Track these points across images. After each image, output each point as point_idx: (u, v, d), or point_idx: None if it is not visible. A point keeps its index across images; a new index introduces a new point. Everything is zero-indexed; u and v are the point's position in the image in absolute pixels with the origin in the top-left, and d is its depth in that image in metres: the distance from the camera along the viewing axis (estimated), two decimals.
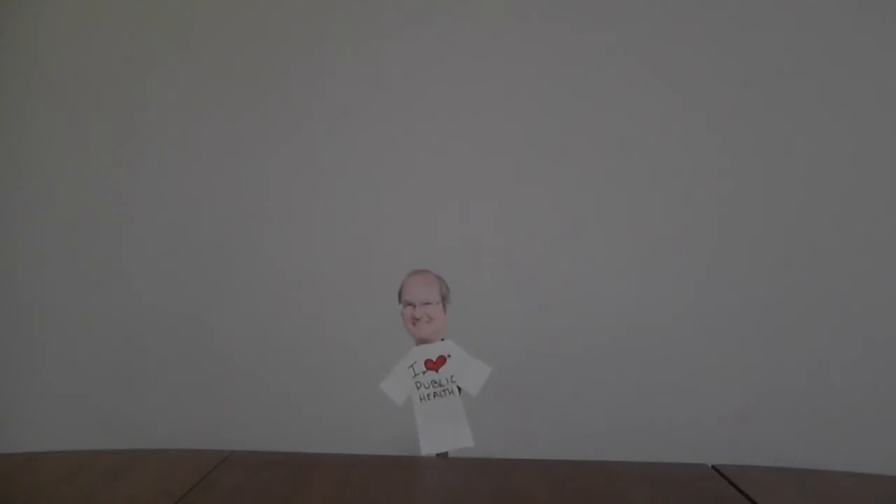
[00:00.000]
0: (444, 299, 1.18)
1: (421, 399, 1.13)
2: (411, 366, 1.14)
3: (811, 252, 1.66)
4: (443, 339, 1.16)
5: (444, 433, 1.11)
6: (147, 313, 1.88)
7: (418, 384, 1.13)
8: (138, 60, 1.90)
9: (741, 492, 0.91)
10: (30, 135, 1.93)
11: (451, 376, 1.13)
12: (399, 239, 1.78)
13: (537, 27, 1.77)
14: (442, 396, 1.13)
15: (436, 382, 1.13)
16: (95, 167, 1.91)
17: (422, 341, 1.16)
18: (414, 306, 1.16)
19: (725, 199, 1.69)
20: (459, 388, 1.13)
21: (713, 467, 1.00)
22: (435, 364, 1.14)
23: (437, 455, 1.11)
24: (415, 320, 1.15)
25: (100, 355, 1.90)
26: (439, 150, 1.80)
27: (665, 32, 1.72)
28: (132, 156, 1.90)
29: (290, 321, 1.83)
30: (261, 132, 1.85)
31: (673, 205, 1.71)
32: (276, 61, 1.85)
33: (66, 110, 1.92)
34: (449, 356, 1.14)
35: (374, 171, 1.82)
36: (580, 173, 1.75)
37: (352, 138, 1.83)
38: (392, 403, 1.13)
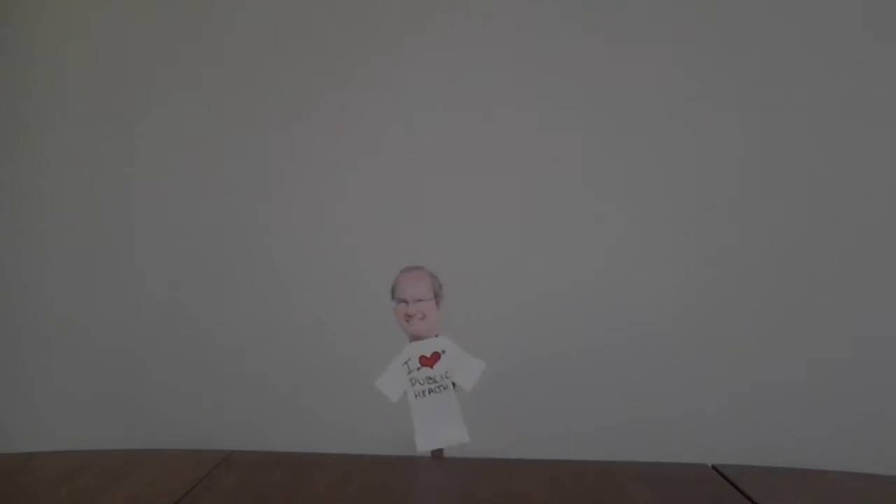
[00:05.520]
0: (436, 296, 1.17)
1: (416, 396, 1.12)
2: (406, 362, 1.13)
3: (812, 250, 1.66)
4: (437, 336, 1.15)
5: (439, 429, 1.11)
6: (147, 313, 1.88)
7: (413, 381, 1.12)
8: (140, 60, 1.90)
9: (741, 492, 0.91)
10: (33, 135, 1.93)
11: (446, 372, 1.12)
12: (400, 237, 1.77)
13: (538, 28, 1.77)
14: (437, 392, 1.12)
15: (430, 379, 1.12)
16: (96, 167, 1.91)
17: (415, 338, 1.15)
18: (407, 303, 1.15)
19: (727, 198, 1.69)
20: (454, 384, 1.12)
21: (713, 467, 1.00)
22: (429, 360, 1.13)
23: (433, 451, 1.11)
24: (408, 317, 1.14)
25: (99, 355, 1.90)
26: (439, 150, 1.80)
27: (662, 34, 1.72)
28: (134, 155, 1.90)
29: (291, 320, 1.83)
30: (263, 130, 1.85)
31: (672, 203, 1.71)
32: (278, 60, 1.85)
33: (68, 111, 1.92)
34: (443, 352, 1.13)
35: (375, 170, 1.82)
36: (579, 172, 1.75)
37: (352, 137, 1.82)
38: (389, 402, 1.12)
